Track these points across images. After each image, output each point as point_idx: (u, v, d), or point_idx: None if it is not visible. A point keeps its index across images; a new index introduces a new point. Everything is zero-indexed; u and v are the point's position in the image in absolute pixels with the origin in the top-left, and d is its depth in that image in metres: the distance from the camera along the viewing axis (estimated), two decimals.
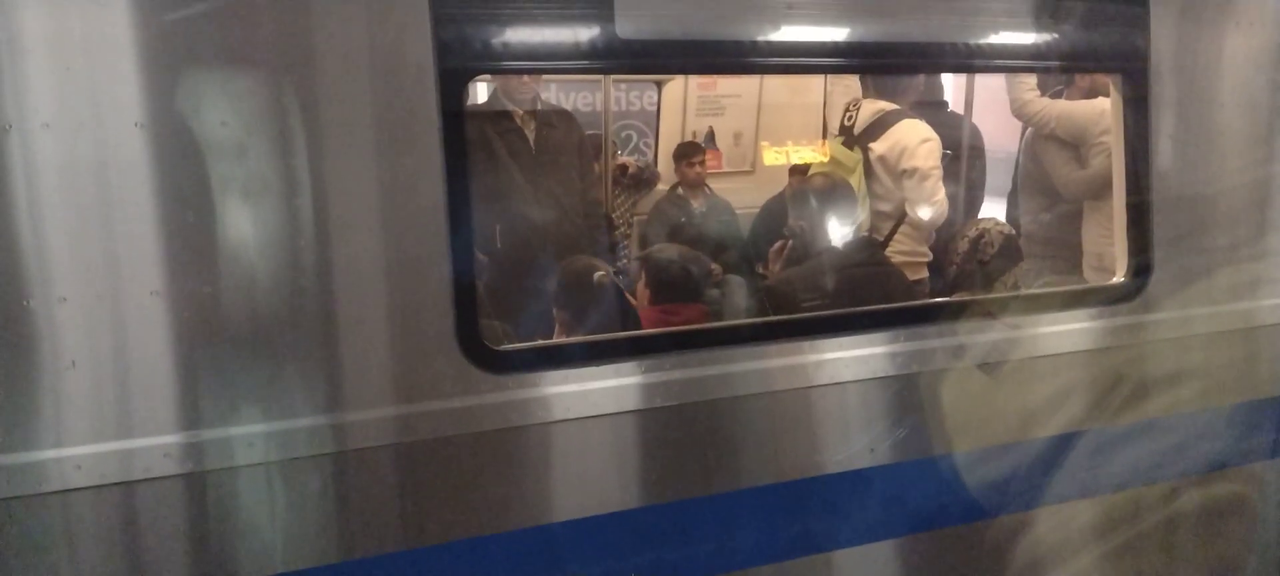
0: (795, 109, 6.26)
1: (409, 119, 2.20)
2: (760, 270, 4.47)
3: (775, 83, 6.16)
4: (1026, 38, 2.88)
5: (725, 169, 6.38)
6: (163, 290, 2.03)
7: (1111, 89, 3.09)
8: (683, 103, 6.20)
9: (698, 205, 5.75)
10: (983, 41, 2.88)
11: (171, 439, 2.08)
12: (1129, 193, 3.00)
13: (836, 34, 2.75)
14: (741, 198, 5.87)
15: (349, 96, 2.15)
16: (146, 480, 2.08)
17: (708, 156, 5.91)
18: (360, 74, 2.16)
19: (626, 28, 2.41)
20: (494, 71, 2.52)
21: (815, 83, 6.06)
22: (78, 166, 1.95)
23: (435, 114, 2.21)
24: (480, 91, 5.14)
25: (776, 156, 6.13)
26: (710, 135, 6.29)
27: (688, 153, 5.74)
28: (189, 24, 2.02)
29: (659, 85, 6.14)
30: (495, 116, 4.12)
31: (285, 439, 2.16)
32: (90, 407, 2.03)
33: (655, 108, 6.36)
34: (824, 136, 5.77)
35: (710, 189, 5.84)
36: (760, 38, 2.63)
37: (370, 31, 2.15)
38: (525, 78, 4.08)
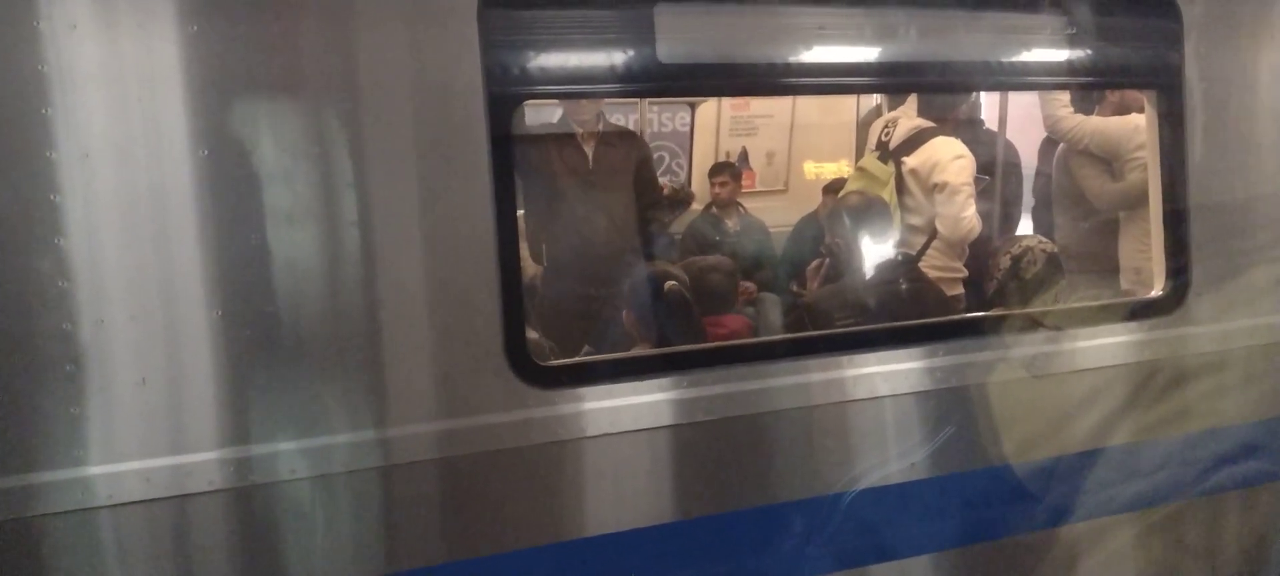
0: (827, 128, 6.32)
1: (459, 143, 2.29)
2: (795, 288, 4.52)
3: (807, 102, 6.22)
4: (1062, 56, 2.92)
5: (759, 188, 6.44)
6: (226, 310, 2.13)
7: (1146, 105, 3.11)
8: (716, 123, 6.27)
9: (732, 224, 5.81)
10: (1017, 60, 2.93)
11: (235, 452, 2.17)
12: (1166, 206, 3.02)
13: (869, 55, 2.81)
14: (775, 216, 5.92)
15: (402, 122, 2.24)
16: (209, 492, 2.16)
17: (743, 176, 5.97)
18: (413, 100, 2.25)
19: (666, 52, 2.49)
20: (540, 96, 2.61)
21: (847, 102, 6.10)
22: (150, 191, 2.06)
23: (484, 138, 2.30)
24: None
25: (816, 171, 6.24)
26: (743, 155, 6.35)
27: (715, 172, 5.81)
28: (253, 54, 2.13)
29: (692, 106, 6.22)
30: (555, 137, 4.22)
31: (345, 452, 2.25)
32: (158, 423, 2.12)
33: (688, 129, 6.43)
34: (857, 155, 5.82)
35: (743, 208, 5.89)
36: (795, 60, 2.70)
37: (422, 60, 2.25)
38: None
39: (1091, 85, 3.84)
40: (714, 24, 2.60)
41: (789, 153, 6.45)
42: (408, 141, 2.25)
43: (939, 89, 3.76)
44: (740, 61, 2.66)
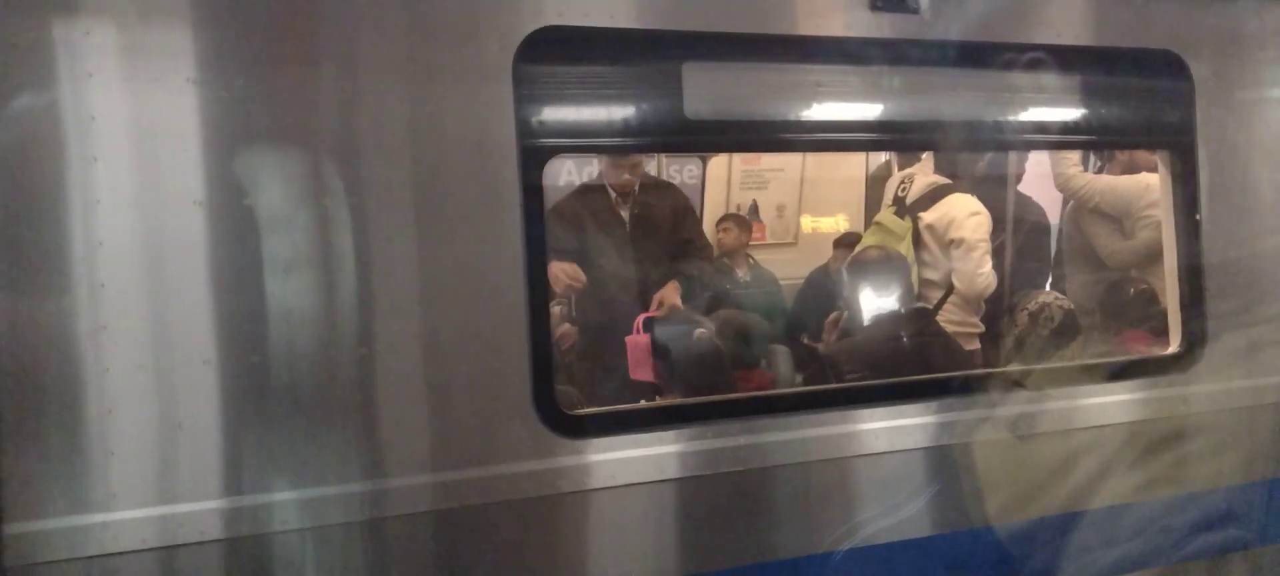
0: (837, 183, 6.39)
1: (491, 195, 2.33)
2: (806, 339, 4.55)
3: (817, 157, 6.29)
4: (1077, 116, 2.99)
5: (769, 241, 6.49)
6: (267, 356, 2.16)
7: (1160, 164, 3.17)
8: (727, 176, 6.34)
9: (742, 274, 5.85)
10: (1035, 119, 2.99)
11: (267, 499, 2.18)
12: (1180, 264, 3.06)
13: (886, 114, 2.87)
14: (784, 269, 5.95)
15: (436, 175, 2.29)
16: (243, 538, 2.17)
17: (752, 227, 6.02)
18: (447, 152, 2.30)
19: (693, 109, 2.55)
20: (570, 150, 2.68)
21: (856, 158, 6.17)
22: (185, 242, 2.10)
23: (516, 190, 2.34)
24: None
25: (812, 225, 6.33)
26: (754, 208, 6.41)
27: (720, 221, 5.86)
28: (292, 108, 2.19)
29: (704, 160, 6.29)
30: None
31: (375, 499, 2.25)
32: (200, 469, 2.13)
33: (700, 182, 6.48)
34: (866, 210, 5.88)
35: (753, 259, 5.93)
36: (816, 117, 2.77)
37: (457, 114, 2.30)
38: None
39: (1107, 145, 3.91)
40: (738, 82, 2.67)
41: (799, 206, 6.51)
42: (442, 194, 2.30)
43: (955, 147, 3.83)
44: (763, 118, 2.73)
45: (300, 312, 2.19)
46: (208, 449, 2.13)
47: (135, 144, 2.07)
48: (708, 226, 6.29)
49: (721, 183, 6.34)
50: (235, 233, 2.14)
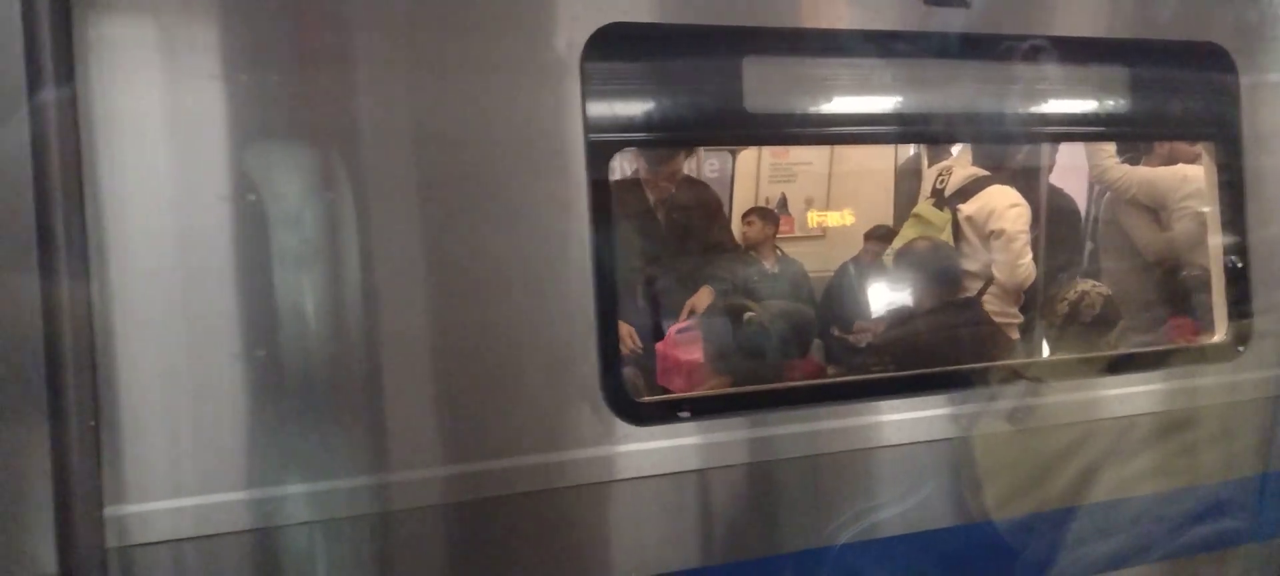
0: (864, 176, 6.43)
1: (560, 188, 2.39)
2: (836, 331, 4.61)
3: (845, 151, 6.33)
4: (1126, 109, 3.03)
5: (797, 233, 6.53)
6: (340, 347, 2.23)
7: (1204, 155, 3.21)
8: (756, 170, 6.38)
9: (769, 265, 5.90)
10: (1083, 111, 3.04)
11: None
12: (1226, 254, 3.11)
13: (943, 105, 2.92)
14: (811, 262, 5.99)
15: (507, 168, 2.34)
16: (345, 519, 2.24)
17: (780, 220, 6.06)
18: (517, 146, 2.35)
19: (753, 103, 2.60)
20: (635, 144, 2.74)
21: (885, 151, 6.20)
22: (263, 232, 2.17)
23: (584, 182, 2.40)
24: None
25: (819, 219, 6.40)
26: (783, 201, 6.45)
27: (745, 213, 5.90)
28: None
29: (733, 153, 6.33)
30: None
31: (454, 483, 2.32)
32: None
33: (728, 175, 6.52)
34: (897, 203, 5.93)
35: (781, 251, 5.97)
36: (871, 110, 2.82)
37: (527, 109, 2.36)
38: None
39: (1153, 137, 3.96)
40: (797, 76, 2.72)
41: (827, 200, 6.55)
42: (514, 188, 2.35)
43: (1007, 139, 3.88)
44: (821, 111, 2.78)
45: (377, 305, 2.25)
46: (299, 434, 2.18)
47: (221, 138, 2.13)
48: (736, 221, 6.34)
49: (750, 177, 6.38)
50: (314, 226, 2.20)
